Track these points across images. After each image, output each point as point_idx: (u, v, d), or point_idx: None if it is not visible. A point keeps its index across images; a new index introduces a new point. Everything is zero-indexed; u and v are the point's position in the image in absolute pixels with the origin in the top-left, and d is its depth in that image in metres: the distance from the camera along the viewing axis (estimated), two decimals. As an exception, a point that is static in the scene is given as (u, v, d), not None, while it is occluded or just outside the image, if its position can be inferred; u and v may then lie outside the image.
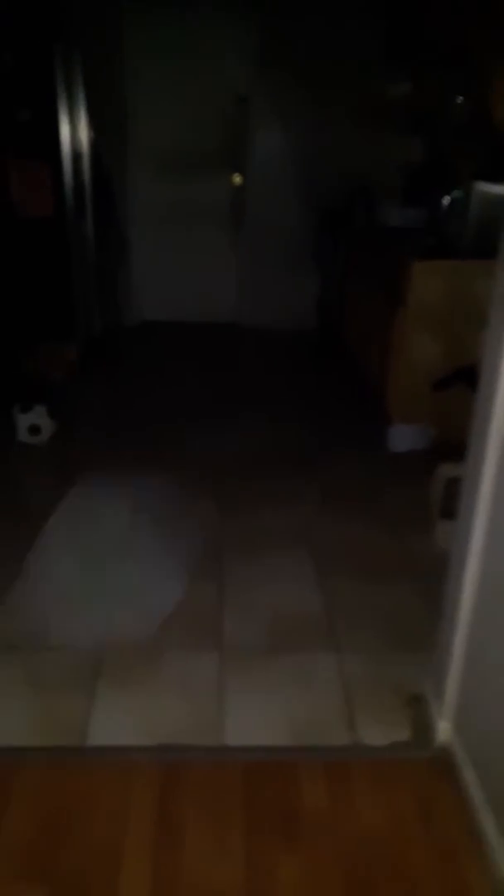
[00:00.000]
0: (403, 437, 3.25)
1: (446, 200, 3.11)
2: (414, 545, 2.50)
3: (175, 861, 1.39)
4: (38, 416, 3.10)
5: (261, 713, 1.75)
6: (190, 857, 1.40)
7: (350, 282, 4.28)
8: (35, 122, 3.61)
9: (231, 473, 3.01)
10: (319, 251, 4.98)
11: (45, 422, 3.11)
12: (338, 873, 1.39)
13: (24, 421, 3.09)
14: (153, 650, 1.95)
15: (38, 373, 3.76)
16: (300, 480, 2.96)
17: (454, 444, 2.86)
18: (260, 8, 4.53)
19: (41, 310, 3.90)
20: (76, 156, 3.91)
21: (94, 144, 4.11)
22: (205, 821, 1.48)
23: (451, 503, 2.47)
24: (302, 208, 5.02)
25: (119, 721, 1.71)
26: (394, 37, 4.19)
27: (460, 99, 3.49)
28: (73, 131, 3.85)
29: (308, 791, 1.56)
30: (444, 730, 1.65)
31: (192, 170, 4.98)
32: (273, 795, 1.55)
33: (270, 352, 4.91)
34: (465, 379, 2.67)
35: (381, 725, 1.73)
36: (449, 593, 1.63)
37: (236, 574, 2.31)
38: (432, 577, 2.25)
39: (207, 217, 5.11)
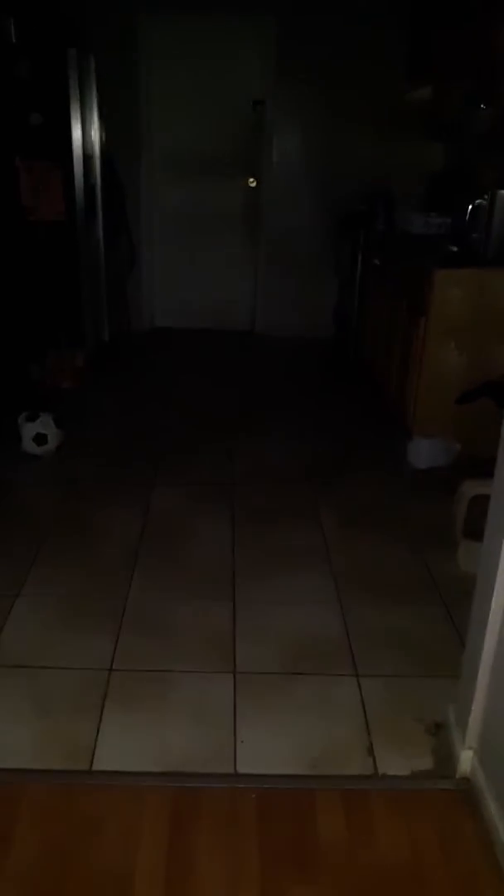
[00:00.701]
0: (424, 452, 3.14)
1: (470, 208, 3.04)
2: (436, 566, 2.41)
3: (187, 892, 1.32)
4: (45, 425, 3.01)
5: (275, 740, 1.68)
6: (202, 887, 1.34)
7: (369, 290, 4.21)
8: (48, 126, 3.59)
9: (245, 489, 2.93)
10: (337, 258, 4.91)
11: (51, 431, 3.02)
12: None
13: (29, 430, 2.99)
14: (164, 672, 1.88)
15: (46, 380, 3.70)
16: (317, 496, 2.87)
17: (478, 461, 2.78)
18: (278, 12, 4.49)
19: (50, 315, 3.86)
20: (87, 160, 3.87)
21: (107, 148, 4.08)
22: (217, 851, 1.41)
23: (475, 522, 2.39)
24: (319, 214, 4.95)
25: (128, 745, 1.64)
26: (416, 42, 4.14)
27: (483, 107, 3.42)
28: (85, 136, 3.82)
29: (324, 822, 1.48)
30: (466, 759, 1.57)
31: (207, 174, 4.94)
32: (288, 826, 1.47)
33: (286, 361, 4.83)
34: (491, 393, 2.59)
35: (402, 754, 1.65)
36: (474, 619, 1.55)
37: (250, 593, 2.23)
38: (455, 600, 2.18)
39: (222, 222, 5.06)
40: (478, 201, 3.03)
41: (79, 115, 3.65)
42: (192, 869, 1.36)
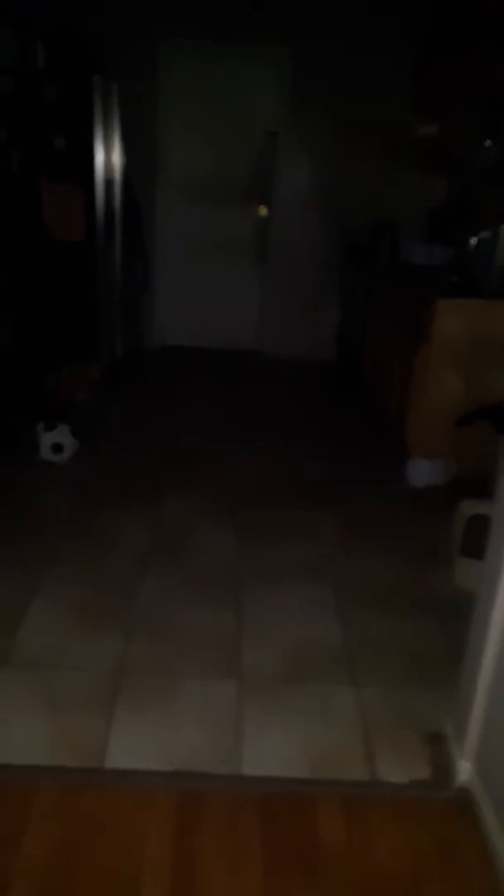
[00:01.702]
0: (422, 472, 3.25)
1: (473, 241, 3.16)
2: (433, 582, 2.49)
3: (193, 891, 1.38)
4: (62, 435, 3.13)
5: (279, 744, 1.74)
6: (208, 887, 1.39)
7: (372, 316, 4.33)
8: (71, 149, 3.71)
9: (249, 501, 3.02)
10: (342, 285, 5.05)
11: (67, 440, 3.14)
12: (355, 912, 1.37)
13: (47, 439, 3.12)
14: (171, 676, 1.95)
15: (62, 392, 3.81)
16: (318, 511, 2.96)
17: (473, 481, 2.89)
18: (292, 45, 4.66)
19: (67, 330, 3.97)
20: (109, 183, 4.00)
21: (125, 172, 4.21)
22: (222, 852, 1.46)
23: (472, 540, 2.47)
24: (326, 242, 5.10)
25: (137, 744, 1.70)
26: (422, 79, 4.29)
27: (489, 142, 3.55)
28: (107, 159, 3.95)
29: (326, 826, 1.54)
30: (465, 770, 1.64)
31: (219, 200, 5.09)
32: (291, 828, 1.53)
33: (290, 381, 4.95)
34: (489, 417, 2.69)
35: (400, 762, 1.72)
36: (474, 632, 1.62)
37: (254, 603, 2.31)
38: (451, 615, 2.27)
39: (233, 247, 5.21)
40: (482, 234, 3.15)
41: (101, 140, 3.78)
42: (197, 869, 1.41)
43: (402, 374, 3.46)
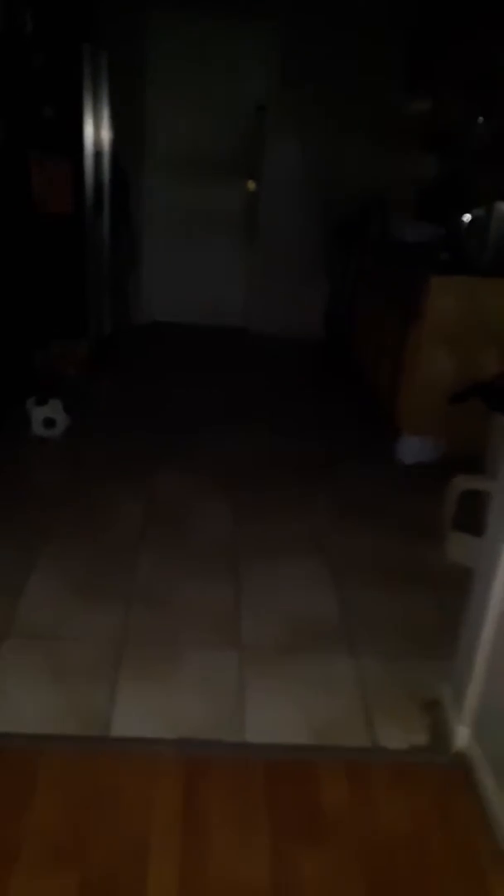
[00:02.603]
0: (412, 449, 3.29)
1: (466, 218, 3.17)
2: (426, 555, 2.54)
3: (201, 854, 1.40)
4: (54, 410, 3.11)
5: (280, 712, 1.77)
6: (216, 850, 1.42)
7: (361, 294, 4.33)
8: (60, 119, 3.63)
9: (242, 477, 3.04)
10: (331, 262, 5.04)
11: (60, 416, 3.13)
12: (361, 871, 1.41)
13: (39, 414, 3.10)
14: (172, 646, 1.97)
15: (51, 368, 3.77)
16: (310, 488, 2.98)
17: (462, 458, 2.93)
18: (281, 19, 4.60)
19: (55, 306, 3.92)
20: (97, 155, 3.94)
21: (113, 145, 4.14)
22: (229, 816, 1.49)
23: (464, 515, 2.51)
24: (314, 219, 5.07)
25: (141, 713, 1.73)
26: (416, 55, 4.27)
27: (481, 120, 3.55)
28: (96, 131, 3.88)
29: (329, 790, 1.58)
30: (462, 736, 1.68)
31: (207, 175, 5.03)
32: (295, 793, 1.56)
33: (278, 358, 4.94)
34: (481, 394, 2.72)
35: (399, 728, 1.76)
36: (474, 602, 1.66)
37: (252, 577, 2.33)
38: (444, 587, 2.32)
39: (220, 222, 5.16)
40: (475, 212, 3.15)
41: (90, 110, 3.71)
42: (205, 833, 1.44)
43: (393, 351, 3.48)
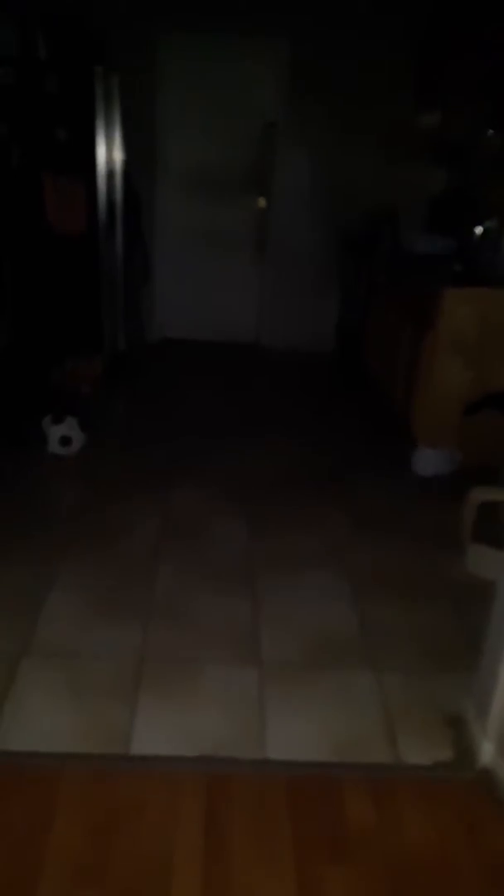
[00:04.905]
0: (429, 461, 3.27)
1: (479, 230, 3.17)
2: (445, 568, 2.51)
3: (225, 872, 1.39)
4: (70, 428, 3.13)
5: (302, 728, 1.76)
6: (239, 868, 1.40)
7: (374, 307, 4.33)
8: (73, 141, 3.68)
9: (258, 491, 3.03)
10: (342, 275, 5.05)
11: (76, 433, 3.14)
12: (386, 889, 1.39)
13: (55, 432, 3.12)
14: (191, 663, 1.96)
15: (65, 386, 3.80)
16: (327, 501, 2.97)
17: (479, 469, 2.92)
18: (290, 36, 4.65)
19: (70, 324, 3.96)
20: (110, 175, 3.99)
21: (125, 164, 4.19)
22: (252, 833, 1.48)
23: (483, 527, 2.50)
24: (325, 232, 5.10)
25: (161, 731, 1.72)
26: (425, 68, 4.29)
27: (491, 132, 3.56)
28: (109, 151, 3.93)
29: (352, 807, 1.56)
30: (487, 751, 1.66)
31: (218, 192, 5.07)
32: (318, 810, 1.55)
33: (290, 372, 4.95)
34: (496, 405, 2.71)
35: (422, 744, 1.74)
36: (496, 614, 1.64)
37: (270, 591, 2.32)
38: (465, 600, 2.29)
39: (232, 238, 5.19)
40: (487, 223, 3.16)
41: (103, 131, 3.76)
42: (228, 850, 1.43)
43: (407, 364, 3.47)
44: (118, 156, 4.07)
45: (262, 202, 5.12)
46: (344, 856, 1.45)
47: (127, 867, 1.39)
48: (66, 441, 3.12)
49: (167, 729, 1.72)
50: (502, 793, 1.58)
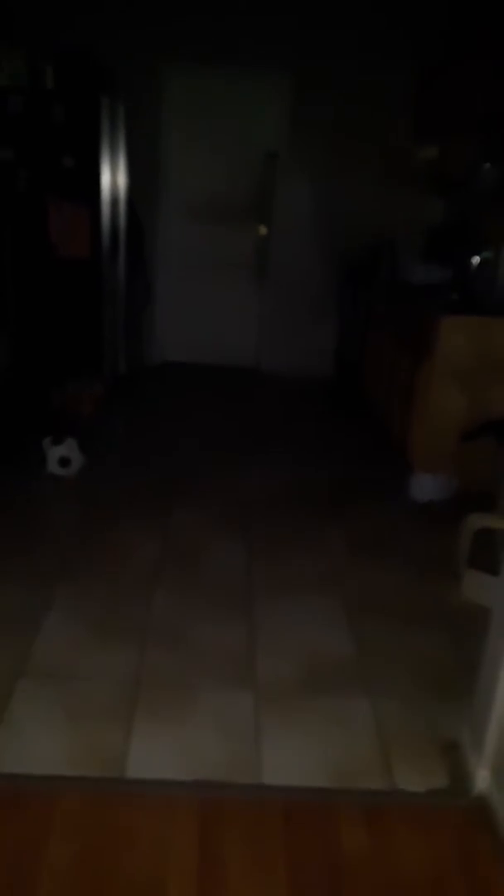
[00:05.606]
0: (425, 487, 3.29)
1: (476, 260, 3.23)
2: (441, 594, 2.52)
3: (219, 898, 1.39)
4: (69, 449, 3.15)
5: (297, 753, 1.76)
6: (234, 893, 1.39)
7: (372, 333, 4.39)
8: (79, 168, 3.76)
9: (255, 515, 3.05)
10: (341, 303, 5.12)
11: (75, 455, 3.17)
12: (381, 918, 1.38)
13: (54, 453, 3.14)
14: (187, 687, 1.96)
15: (66, 407, 3.83)
16: (324, 526, 2.99)
17: (475, 495, 2.94)
18: (293, 69, 4.77)
19: (72, 347, 4.00)
20: (114, 202, 4.06)
21: (129, 191, 4.27)
22: (247, 858, 1.47)
23: (479, 553, 2.51)
24: (324, 261, 5.18)
25: (157, 754, 1.71)
26: (423, 104, 4.39)
27: (488, 165, 3.64)
28: (113, 178, 4.01)
29: (347, 833, 1.56)
30: (483, 779, 1.65)
31: (220, 219, 5.15)
32: (313, 836, 1.54)
33: (289, 397, 4.99)
34: (493, 432, 2.74)
35: (418, 771, 1.73)
36: (491, 641, 1.65)
37: (267, 616, 2.33)
38: (461, 626, 2.30)
39: (232, 265, 5.27)
40: (483, 254, 3.22)
41: (108, 159, 3.84)
42: (223, 876, 1.42)
43: (404, 390, 3.51)
44: (122, 183, 4.15)
45: (263, 230, 5.20)
46: (339, 883, 1.44)
47: (121, 892, 1.38)
48: (65, 462, 3.14)
49: (163, 753, 1.72)
50: (497, 819, 1.58)
